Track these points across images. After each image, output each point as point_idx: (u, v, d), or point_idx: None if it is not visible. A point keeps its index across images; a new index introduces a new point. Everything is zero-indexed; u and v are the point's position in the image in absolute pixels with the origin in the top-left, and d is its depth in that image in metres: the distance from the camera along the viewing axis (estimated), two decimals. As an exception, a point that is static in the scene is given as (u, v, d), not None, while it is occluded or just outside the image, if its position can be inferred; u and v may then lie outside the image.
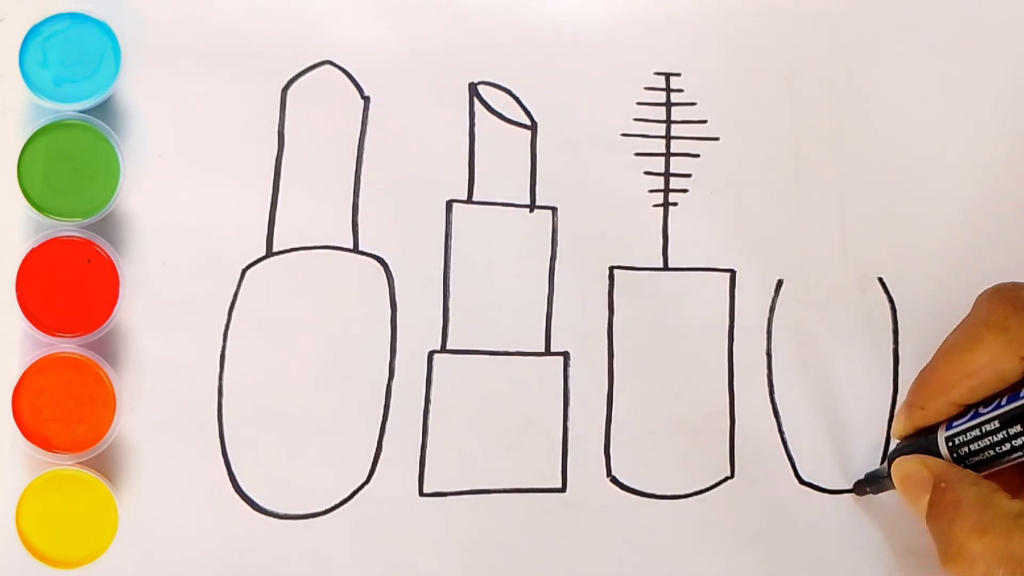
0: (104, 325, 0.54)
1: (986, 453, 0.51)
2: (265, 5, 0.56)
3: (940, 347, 0.53)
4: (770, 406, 0.57)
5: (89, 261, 0.54)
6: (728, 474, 0.57)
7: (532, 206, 0.57)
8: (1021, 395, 0.50)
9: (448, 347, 0.56)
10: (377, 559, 0.55)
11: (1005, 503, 0.48)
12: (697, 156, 0.58)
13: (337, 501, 0.55)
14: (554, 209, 0.57)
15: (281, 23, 0.56)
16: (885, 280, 0.58)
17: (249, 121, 0.56)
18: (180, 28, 0.56)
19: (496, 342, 0.57)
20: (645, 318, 0.57)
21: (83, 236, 0.54)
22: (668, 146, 0.58)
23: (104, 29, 0.55)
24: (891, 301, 0.58)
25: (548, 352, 0.57)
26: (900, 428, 0.55)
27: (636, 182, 0.58)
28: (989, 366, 0.51)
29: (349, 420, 0.55)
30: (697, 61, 0.59)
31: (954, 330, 0.53)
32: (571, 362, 0.57)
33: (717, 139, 0.58)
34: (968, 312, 0.52)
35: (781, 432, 0.57)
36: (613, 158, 0.58)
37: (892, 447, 0.56)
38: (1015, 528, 0.47)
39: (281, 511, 0.55)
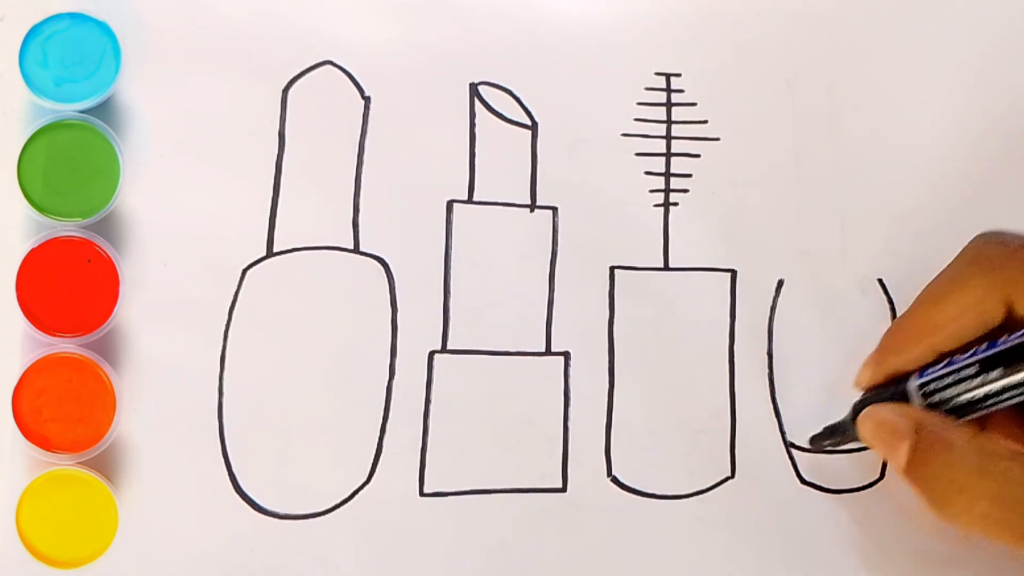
0: (104, 325, 0.54)
1: (961, 399, 0.49)
2: (266, 5, 0.56)
3: (922, 292, 0.52)
4: (771, 406, 0.57)
5: (89, 261, 0.54)
6: (729, 474, 0.57)
7: (532, 206, 0.57)
8: (999, 342, 0.49)
9: (448, 347, 0.56)
10: (377, 559, 0.55)
11: (995, 445, 0.48)
12: (698, 156, 0.58)
13: (337, 501, 0.55)
14: (554, 209, 0.57)
15: (282, 23, 0.56)
16: (885, 280, 0.58)
17: (250, 121, 0.56)
18: (180, 28, 0.56)
19: (496, 342, 0.57)
20: (646, 318, 0.57)
21: (83, 236, 0.54)
22: (669, 146, 0.58)
23: (104, 29, 0.55)
24: (891, 301, 0.58)
25: (548, 352, 0.57)
26: (868, 376, 0.54)
27: (637, 182, 0.58)
28: (973, 308, 0.50)
29: (349, 420, 0.55)
30: (698, 61, 0.59)
31: (938, 275, 0.52)
32: (571, 362, 0.57)
33: (718, 139, 0.58)
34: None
35: (782, 432, 0.57)
36: (614, 158, 0.58)
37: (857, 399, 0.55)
38: (1010, 469, 0.47)
39: (281, 511, 0.55)
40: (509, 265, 0.57)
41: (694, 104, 0.58)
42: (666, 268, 0.58)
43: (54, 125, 0.54)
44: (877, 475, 0.58)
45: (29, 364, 0.53)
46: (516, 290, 0.57)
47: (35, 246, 0.53)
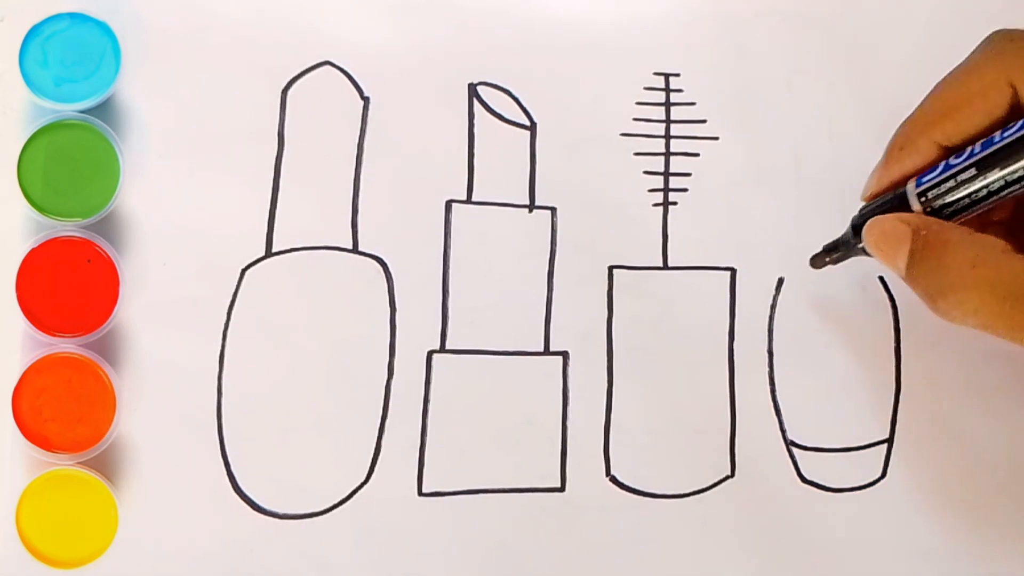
0: (104, 325, 0.54)
1: (961, 202, 0.49)
2: (265, 6, 0.56)
3: (930, 90, 0.52)
4: (771, 405, 0.57)
5: (89, 261, 0.54)
6: (728, 473, 0.57)
7: (531, 206, 0.57)
8: (995, 139, 0.49)
9: (447, 347, 0.56)
10: (376, 559, 0.55)
11: (990, 240, 0.48)
12: (697, 156, 0.58)
13: (336, 501, 0.55)
14: (553, 209, 0.57)
15: (281, 24, 0.56)
16: (886, 278, 0.58)
17: (249, 121, 0.56)
18: (180, 28, 0.56)
19: (495, 342, 0.57)
20: (645, 317, 0.57)
21: (83, 236, 0.54)
22: (668, 146, 0.58)
23: (104, 29, 0.55)
24: (892, 300, 0.58)
25: (547, 352, 0.57)
26: (874, 184, 0.53)
27: (635, 182, 0.58)
28: (978, 95, 0.50)
29: (348, 420, 0.56)
30: (696, 61, 0.59)
31: (950, 71, 0.52)
32: (570, 362, 0.57)
33: (716, 139, 0.58)
34: None
35: (782, 431, 0.57)
36: (612, 158, 0.58)
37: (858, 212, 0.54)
38: (1003, 261, 0.47)
39: (280, 511, 0.55)
40: (508, 265, 0.57)
41: (693, 104, 0.58)
42: (665, 267, 0.58)
43: (54, 125, 0.54)
44: (877, 475, 0.58)
45: (29, 364, 0.53)
46: (515, 290, 0.57)
47: (35, 246, 0.53)
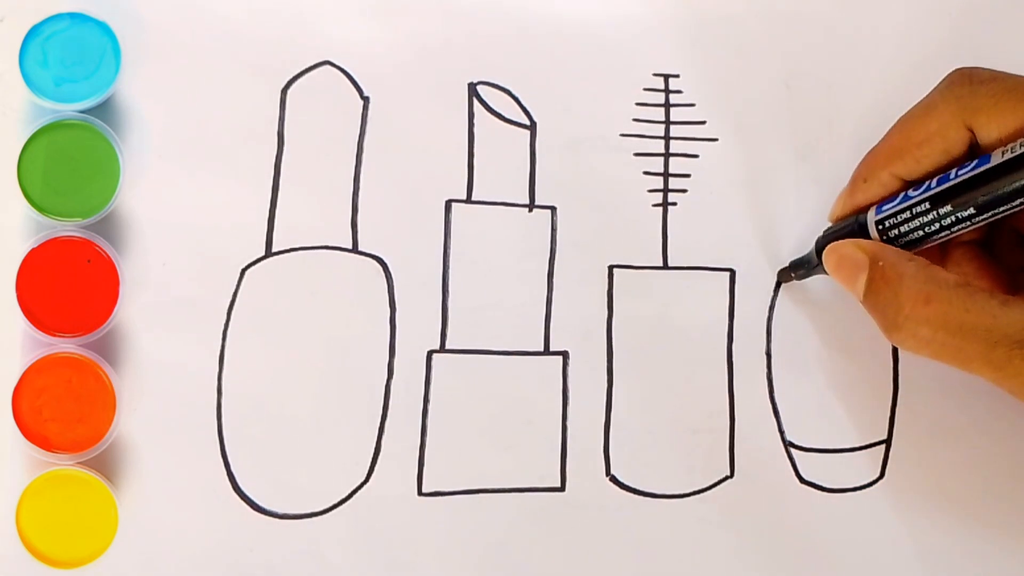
0: (104, 325, 0.54)
1: (915, 234, 0.52)
2: (265, 5, 0.56)
3: (893, 124, 0.54)
4: (770, 405, 0.57)
5: (89, 261, 0.54)
6: (728, 474, 0.57)
7: (531, 206, 0.57)
8: (950, 176, 0.51)
9: (447, 347, 0.56)
10: (376, 559, 0.55)
11: (943, 274, 0.50)
12: (696, 156, 0.58)
13: (336, 501, 0.55)
14: (553, 209, 0.57)
15: (281, 23, 0.56)
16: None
17: (249, 121, 0.56)
18: (180, 28, 0.56)
19: (495, 342, 0.57)
20: (645, 317, 0.57)
21: (83, 236, 0.54)
22: (667, 146, 0.58)
23: (104, 29, 0.55)
24: (890, 301, 0.58)
25: (547, 352, 0.57)
26: (838, 209, 0.56)
27: (635, 182, 0.58)
28: (937, 135, 0.52)
29: (348, 420, 0.56)
30: (696, 62, 0.59)
31: (910, 108, 0.54)
32: (570, 361, 0.57)
33: (716, 140, 0.58)
34: None
35: (781, 431, 0.57)
36: (612, 158, 0.58)
37: (821, 234, 0.56)
38: (954, 296, 0.49)
39: (280, 511, 0.55)
40: (508, 265, 0.57)
41: (692, 105, 0.58)
42: (665, 267, 0.58)
43: (54, 125, 0.54)
44: (876, 475, 0.58)
45: (29, 364, 0.53)
46: (515, 290, 0.57)
47: (35, 246, 0.53)
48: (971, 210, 0.50)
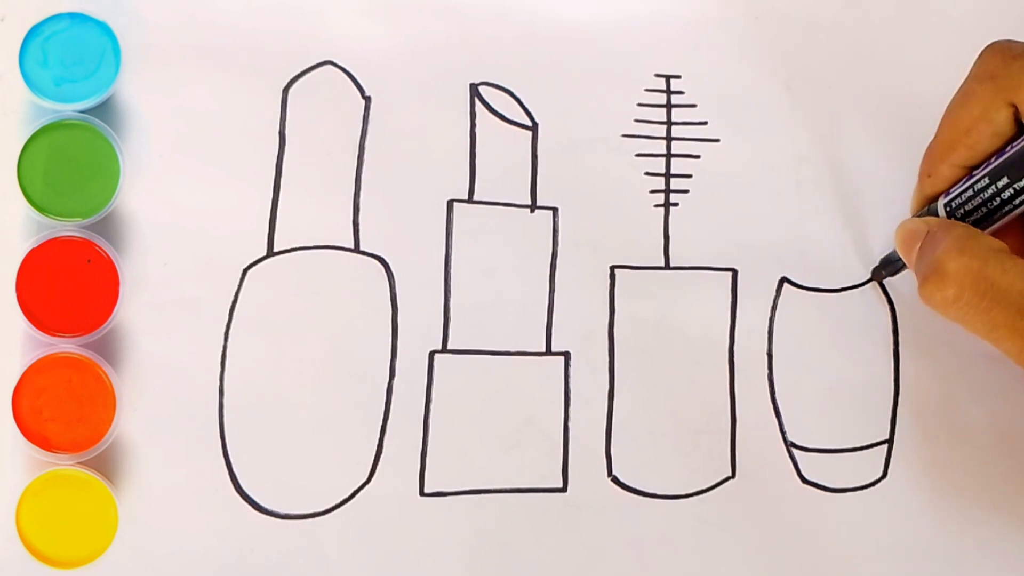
0: (104, 325, 0.54)
1: (980, 211, 0.52)
2: (266, 5, 0.56)
3: (943, 115, 0.54)
4: (771, 406, 0.57)
5: (89, 261, 0.54)
6: (729, 474, 0.57)
7: (533, 206, 0.57)
8: (1005, 151, 0.51)
9: (449, 347, 0.56)
10: (377, 559, 0.55)
11: (988, 239, 0.49)
12: (698, 157, 0.58)
13: (338, 501, 0.55)
14: (555, 209, 0.57)
15: (282, 23, 0.56)
16: (884, 281, 0.58)
17: (250, 121, 0.56)
18: (180, 28, 0.56)
19: (497, 342, 0.57)
20: (646, 318, 0.57)
21: (83, 236, 0.54)
22: (669, 147, 0.58)
23: (104, 29, 0.55)
24: (890, 301, 0.58)
25: (549, 352, 0.57)
26: (913, 205, 0.56)
27: (637, 182, 0.58)
28: (982, 119, 0.52)
29: (350, 420, 0.55)
30: (697, 63, 0.59)
31: (953, 97, 0.54)
32: (572, 362, 0.57)
33: (717, 140, 0.58)
34: None
35: (783, 431, 0.57)
36: (614, 159, 0.58)
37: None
38: (991, 256, 0.48)
39: (281, 511, 0.55)
40: (509, 265, 0.57)
41: (694, 106, 0.58)
42: (667, 268, 0.58)
43: (54, 125, 0.54)
44: (878, 475, 0.58)
45: (29, 364, 0.53)
46: (516, 290, 0.57)
47: (35, 246, 0.53)
48: None
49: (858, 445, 0.58)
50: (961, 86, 0.53)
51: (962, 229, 0.50)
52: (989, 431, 0.58)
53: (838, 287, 0.58)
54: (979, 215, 0.52)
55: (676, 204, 0.58)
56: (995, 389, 0.58)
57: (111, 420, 0.53)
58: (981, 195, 0.52)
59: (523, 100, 0.58)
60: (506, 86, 0.57)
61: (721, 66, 0.59)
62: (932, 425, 0.58)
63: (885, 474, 0.58)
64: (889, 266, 0.57)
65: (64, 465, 0.53)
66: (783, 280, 0.58)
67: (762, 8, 0.59)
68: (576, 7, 0.58)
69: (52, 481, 0.53)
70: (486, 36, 0.57)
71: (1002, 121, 0.52)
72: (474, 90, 0.57)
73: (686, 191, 0.58)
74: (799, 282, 0.58)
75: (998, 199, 0.51)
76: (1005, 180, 0.51)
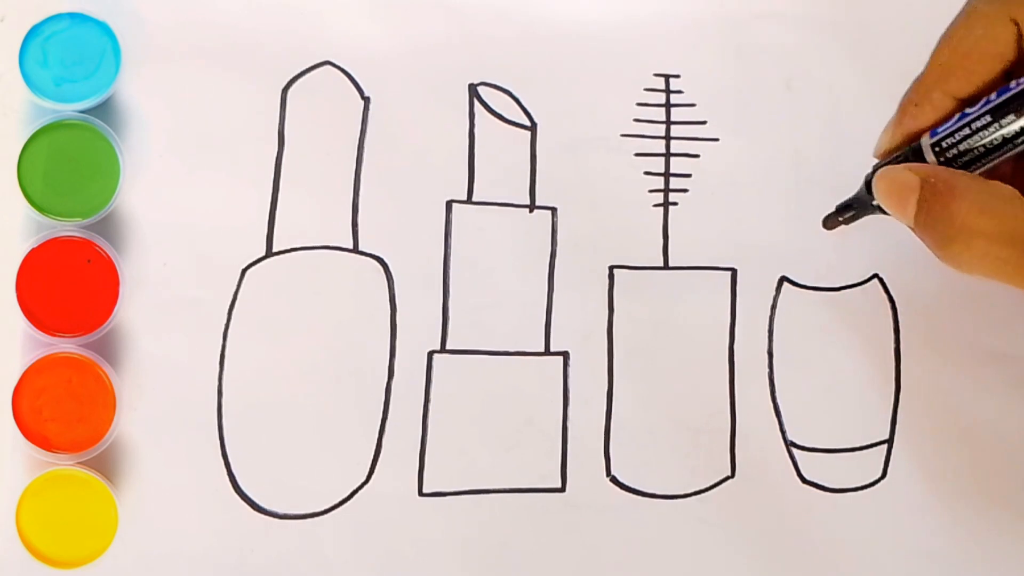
0: (104, 325, 0.54)
1: (976, 151, 0.49)
2: (265, 5, 0.57)
3: (939, 40, 0.51)
4: (771, 405, 0.57)
5: (89, 261, 0.54)
6: (728, 474, 0.57)
7: (532, 206, 0.57)
8: (1011, 86, 0.48)
9: (448, 347, 0.56)
10: (376, 559, 0.55)
11: (1000, 187, 0.47)
12: (697, 156, 0.58)
13: (337, 501, 0.55)
14: (554, 209, 0.57)
15: (281, 23, 0.57)
16: (885, 279, 0.58)
17: (249, 121, 0.56)
18: (180, 28, 0.56)
19: (496, 342, 0.57)
20: (646, 317, 0.57)
21: (83, 236, 0.54)
22: (668, 147, 0.58)
23: (104, 29, 0.55)
24: (891, 300, 0.58)
25: (548, 352, 0.57)
26: (886, 140, 0.52)
27: (636, 182, 0.58)
28: (985, 39, 0.49)
29: (349, 420, 0.55)
30: (696, 63, 0.59)
31: (952, 20, 0.51)
32: (571, 362, 0.57)
33: (717, 140, 0.58)
34: None
35: (782, 431, 0.57)
36: (613, 158, 0.58)
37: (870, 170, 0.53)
38: (1011, 207, 0.46)
39: (281, 511, 0.55)
40: (508, 265, 0.57)
41: (693, 105, 0.58)
42: (666, 267, 0.58)
43: (54, 125, 0.54)
44: (878, 475, 0.58)
45: (29, 364, 0.53)
46: (515, 290, 0.57)
47: (35, 246, 0.53)
48: None
49: (858, 445, 0.58)
50: (962, 8, 0.50)
51: (968, 178, 0.47)
52: (989, 431, 0.58)
53: (838, 286, 0.58)
54: (974, 155, 0.49)
55: (675, 204, 0.58)
56: (995, 389, 0.58)
57: (111, 420, 0.54)
58: (980, 134, 0.49)
59: (522, 100, 0.58)
60: (505, 86, 0.57)
61: (720, 66, 0.59)
62: (933, 425, 0.58)
63: (885, 474, 0.58)
64: (849, 211, 0.53)
65: (64, 465, 0.53)
66: (783, 279, 0.58)
67: (762, 8, 0.59)
68: (575, 7, 0.58)
69: (52, 481, 0.53)
70: (485, 36, 0.57)
71: (1006, 41, 0.49)
72: (473, 90, 0.57)
73: (685, 191, 0.58)
74: (799, 281, 0.58)
75: (1000, 138, 0.48)
76: (1011, 116, 0.48)
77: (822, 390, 0.58)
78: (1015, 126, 0.48)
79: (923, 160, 0.50)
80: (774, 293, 0.58)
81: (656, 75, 0.58)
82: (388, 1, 0.57)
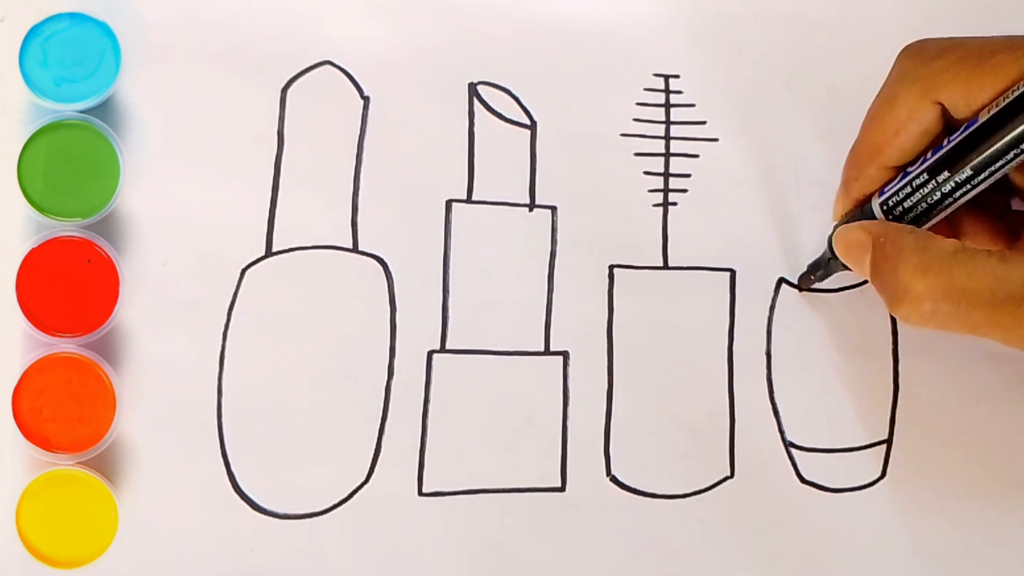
0: (104, 325, 0.54)
1: (919, 207, 0.51)
2: (265, 5, 0.57)
3: (864, 119, 0.53)
4: (770, 406, 0.57)
5: (89, 261, 0.54)
6: (728, 474, 0.57)
7: (532, 205, 0.57)
8: (942, 145, 0.51)
9: (447, 347, 0.56)
10: (376, 559, 0.55)
11: (941, 243, 0.49)
12: (696, 156, 0.58)
13: (336, 501, 0.55)
14: (554, 208, 0.57)
15: (281, 23, 0.57)
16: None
17: (249, 121, 0.56)
18: (180, 28, 0.56)
19: (496, 342, 0.57)
20: (645, 317, 0.57)
21: (83, 236, 0.54)
22: (667, 146, 0.58)
23: (104, 29, 0.55)
24: (890, 301, 0.58)
25: (548, 352, 0.57)
26: (839, 208, 0.55)
27: (636, 182, 0.58)
28: (910, 120, 0.51)
29: (348, 420, 0.56)
30: (696, 63, 0.59)
31: (874, 99, 0.53)
32: (571, 361, 0.57)
33: (716, 140, 0.58)
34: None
35: (781, 431, 0.57)
36: (613, 158, 0.58)
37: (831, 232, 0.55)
38: (953, 263, 0.48)
39: (281, 511, 0.55)
40: (508, 264, 0.57)
41: (693, 105, 0.58)
42: (665, 267, 0.58)
43: (54, 125, 0.54)
44: (877, 475, 0.58)
45: (29, 364, 0.53)
46: (515, 289, 0.57)
47: (35, 246, 0.53)
48: (968, 172, 0.50)
49: (857, 445, 0.58)
50: (881, 90, 0.53)
51: (913, 238, 0.49)
52: (989, 431, 0.58)
53: (837, 287, 0.58)
54: (918, 211, 0.51)
55: (675, 204, 0.58)
56: (995, 389, 0.58)
57: (111, 420, 0.54)
58: (920, 191, 0.51)
59: (522, 99, 0.58)
60: (505, 85, 0.57)
61: (720, 66, 0.59)
62: (931, 425, 0.58)
63: (884, 474, 0.58)
64: (819, 270, 0.56)
65: (64, 465, 0.53)
66: (781, 280, 0.58)
67: (761, 8, 0.59)
68: (575, 6, 0.58)
69: (52, 481, 0.53)
70: (485, 35, 0.57)
71: (930, 119, 0.51)
72: (473, 89, 0.57)
73: (685, 191, 0.58)
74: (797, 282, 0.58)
75: (938, 193, 0.51)
76: (945, 174, 0.50)
77: (821, 390, 0.58)
78: (949, 183, 0.50)
79: (874, 218, 0.53)
80: (773, 294, 0.58)
81: (656, 75, 0.58)
82: (388, 1, 0.57)
